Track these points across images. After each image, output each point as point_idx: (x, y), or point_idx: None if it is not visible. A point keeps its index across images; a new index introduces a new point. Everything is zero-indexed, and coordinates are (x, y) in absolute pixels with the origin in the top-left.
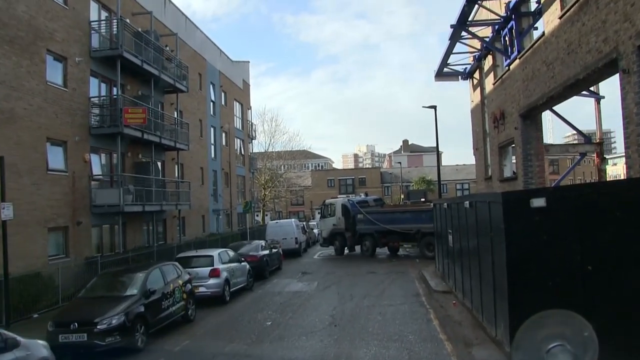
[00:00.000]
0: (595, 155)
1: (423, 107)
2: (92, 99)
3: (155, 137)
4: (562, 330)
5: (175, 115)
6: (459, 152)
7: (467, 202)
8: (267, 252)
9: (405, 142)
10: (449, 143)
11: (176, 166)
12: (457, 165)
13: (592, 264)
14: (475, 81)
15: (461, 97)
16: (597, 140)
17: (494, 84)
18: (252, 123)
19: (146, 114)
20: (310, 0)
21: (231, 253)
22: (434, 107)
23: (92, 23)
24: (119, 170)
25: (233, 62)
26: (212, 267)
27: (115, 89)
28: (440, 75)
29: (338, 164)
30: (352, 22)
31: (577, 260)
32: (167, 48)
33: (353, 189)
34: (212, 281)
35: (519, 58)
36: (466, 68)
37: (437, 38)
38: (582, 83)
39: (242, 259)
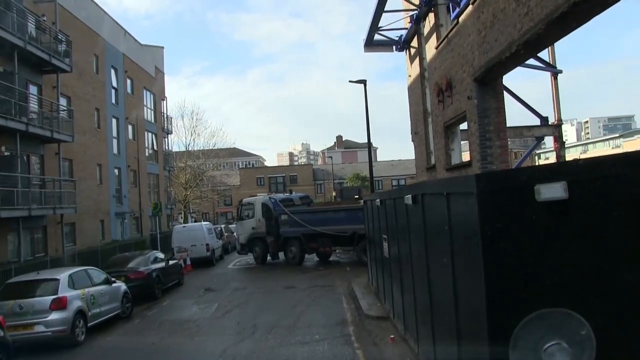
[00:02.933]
0: (552, 139)
1: (350, 81)
2: None
3: (19, 124)
4: (559, 329)
5: (57, 101)
6: (394, 149)
7: (409, 197)
8: (160, 265)
9: (339, 138)
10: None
11: (60, 162)
12: (393, 160)
13: None
14: (413, 51)
15: (396, 95)
16: (555, 122)
17: (437, 48)
18: (167, 115)
19: None
20: None
21: (96, 272)
22: (364, 82)
23: None
24: None
25: (142, 45)
26: (55, 296)
27: None
28: (371, 44)
29: (273, 163)
30: (288, 20)
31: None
32: (44, 18)
33: (284, 187)
34: (54, 316)
35: (472, 3)
36: (401, 36)
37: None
38: (580, 10)
39: (114, 279)
